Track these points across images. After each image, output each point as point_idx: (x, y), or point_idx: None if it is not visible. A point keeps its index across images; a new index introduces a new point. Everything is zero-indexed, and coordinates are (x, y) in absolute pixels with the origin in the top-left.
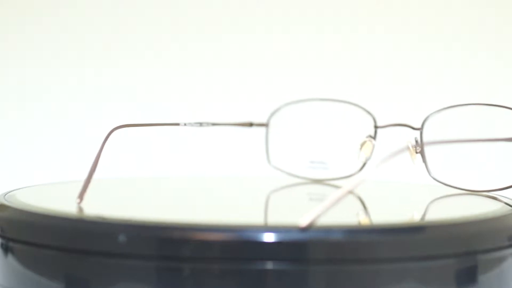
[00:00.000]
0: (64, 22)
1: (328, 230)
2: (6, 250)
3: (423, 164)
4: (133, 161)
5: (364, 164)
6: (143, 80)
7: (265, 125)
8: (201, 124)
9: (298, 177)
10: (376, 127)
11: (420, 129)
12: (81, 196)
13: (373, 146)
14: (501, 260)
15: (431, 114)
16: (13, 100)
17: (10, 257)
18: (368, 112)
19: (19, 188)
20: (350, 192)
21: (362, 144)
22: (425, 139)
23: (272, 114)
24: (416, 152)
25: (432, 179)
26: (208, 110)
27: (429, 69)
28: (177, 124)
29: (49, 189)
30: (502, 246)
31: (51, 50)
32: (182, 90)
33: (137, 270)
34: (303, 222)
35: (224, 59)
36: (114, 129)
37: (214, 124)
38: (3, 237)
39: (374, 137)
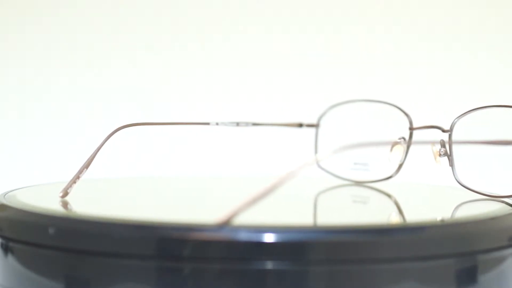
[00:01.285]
0: (64, 22)
1: (328, 230)
2: (6, 250)
3: (450, 167)
4: (146, 160)
5: (399, 167)
6: (143, 80)
7: (315, 125)
8: (237, 123)
9: (342, 179)
10: (411, 129)
11: (449, 131)
12: (64, 190)
13: (406, 148)
14: (501, 260)
15: (461, 115)
16: (13, 100)
17: (10, 257)
18: (405, 114)
19: (19, 188)
20: (273, 190)
21: (393, 146)
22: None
23: (322, 114)
24: (441, 155)
25: (457, 182)
26: (208, 110)
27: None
28: (207, 124)
29: (49, 189)
30: (502, 246)
31: (52, 50)
32: (183, 91)
33: (136, 270)
34: (221, 218)
35: (226, 59)
36: (123, 126)
37: (255, 124)
38: (3, 237)
39: (409, 139)
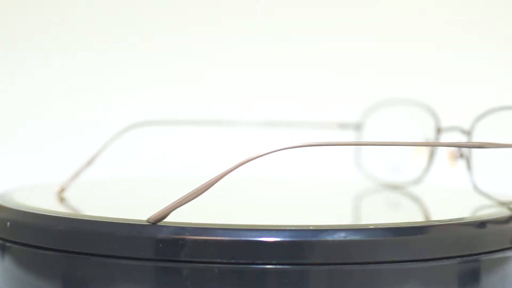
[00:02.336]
0: (65, 22)
1: (328, 230)
2: (3, 251)
3: (468, 171)
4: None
5: (426, 169)
6: (143, 81)
7: (358, 126)
8: (269, 124)
9: (379, 180)
10: (438, 129)
11: (469, 132)
12: (62, 186)
13: (432, 150)
14: (504, 261)
15: (482, 116)
16: (13, 100)
17: (7, 259)
18: (434, 115)
19: (17, 189)
20: (206, 189)
21: (415, 149)
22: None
23: (365, 115)
24: (458, 157)
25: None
26: (208, 111)
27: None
28: (233, 123)
29: (46, 190)
30: (505, 247)
31: (52, 50)
32: (184, 91)
33: (136, 271)
34: (152, 217)
35: (230, 60)
36: (134, 125)
37: (288, 125)
38: (0, 238)
39: (435, 140)
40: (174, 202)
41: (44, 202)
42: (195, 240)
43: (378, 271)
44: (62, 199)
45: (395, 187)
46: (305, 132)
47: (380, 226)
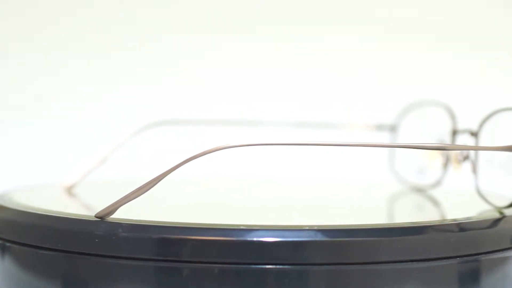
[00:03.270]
0: (66, 22)
1: (328, 230)
2: (3, 251)
3: (473, 174)
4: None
5: (444, 171)
6: (144, 81)
7: (393, 128)
8: (301, 124)
9: (408, 183)
10: (454, 131)
11: (476, 134)
12: (71, 183)
13: (448, 153)
14: (504, 261)
15: (489, 116)
16: (13, 100)
17: (7, 259)
18: (452, 117)
19: (17, 189)
20: (152, 184)
21: (429, 152)
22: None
23: (400, 117)
24: (462, 160)
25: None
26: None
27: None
28: (261, 123)
29: (46, 190)
30: (504, 248)
31: (52, 50)
32: (185, 91)
33: (135, 272)
34: (99, 212)
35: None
36: (152, 124)
37: (320, 126)
38: (0, 238)
39: (451, 142)
40: (121, 197)
41: (44, 202)
42: (196, 240)
43: (378, 271)
44: (70, 195)
45: (418, 190)
46: (340, 133)
47: (315, 228)
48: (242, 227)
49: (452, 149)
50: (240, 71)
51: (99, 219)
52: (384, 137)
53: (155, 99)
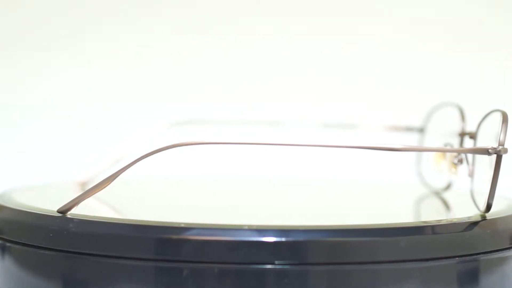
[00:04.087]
0: (65, 22)
1: (327, 230)
2: (3, 251)
3: (470, 178)
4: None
5: (455, 173)
6: (143, 81)
7: (421, 130)
8: (325, 125)
9: (429, 186)
10: (463, 134)
11: (474, 135)
12: (85, 182)
13: (457, 155)
14: (503, 261)
15: (486, 116)
16: (13, 100)
17: (7, 259)
18: (463, 119)
19: (17, 188)
20: (110, 180)
21: (437, 154)
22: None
23: (428, 118)
24: (456, 162)
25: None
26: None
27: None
28: (284, 124)
29: (47, 190)
30: (504, 247)
31: (52, 50)
32: (185, 91)
33: (135, 272)
34: (60, 208)
35: (231, 60)
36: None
37: (345, 127)
38: (0, 238)
39: (461, 145)
40: (82, 193)
41: (44, 202)
42: (196, 241)
43: (377, 271)
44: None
45: (433, 193)
46: (367, 135)
47: (315, 228)
48: (242, 227)
49: (400, 150)
50: (264, 72)
51: (60, 215)
52: (412, 139)
53: (155, 100)
